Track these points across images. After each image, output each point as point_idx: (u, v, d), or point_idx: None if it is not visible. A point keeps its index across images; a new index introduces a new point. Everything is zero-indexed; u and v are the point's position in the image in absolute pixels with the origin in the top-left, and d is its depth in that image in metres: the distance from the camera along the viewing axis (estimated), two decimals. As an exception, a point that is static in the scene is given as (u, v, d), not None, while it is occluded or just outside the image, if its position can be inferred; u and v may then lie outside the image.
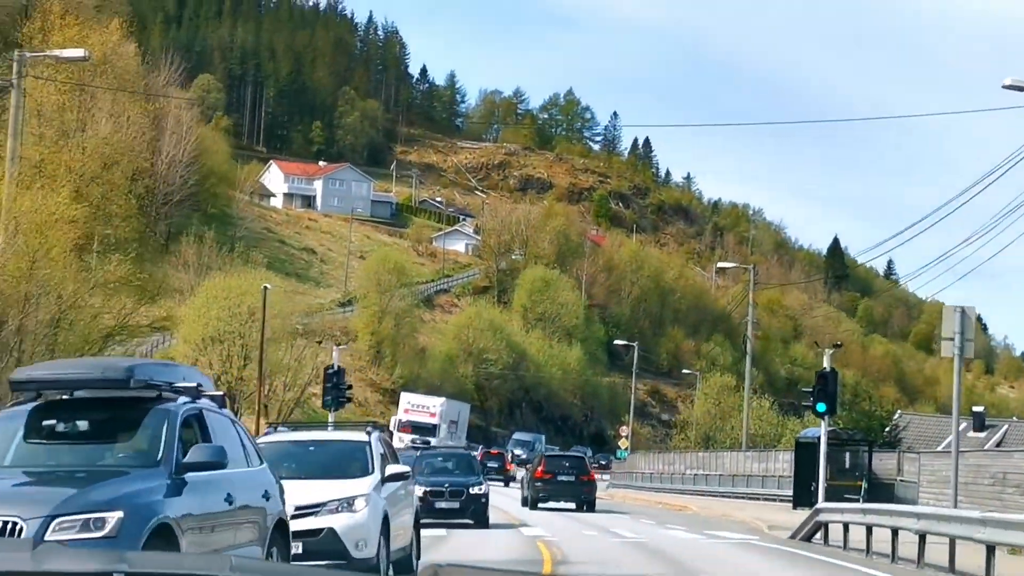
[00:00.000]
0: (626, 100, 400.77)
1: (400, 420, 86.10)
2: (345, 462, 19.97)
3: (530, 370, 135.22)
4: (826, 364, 37.79)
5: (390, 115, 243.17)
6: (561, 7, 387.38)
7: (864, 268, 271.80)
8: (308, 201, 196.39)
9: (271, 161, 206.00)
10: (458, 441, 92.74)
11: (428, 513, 32.64)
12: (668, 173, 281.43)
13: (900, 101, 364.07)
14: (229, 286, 79.20)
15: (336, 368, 42.94)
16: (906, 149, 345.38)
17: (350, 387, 44.16)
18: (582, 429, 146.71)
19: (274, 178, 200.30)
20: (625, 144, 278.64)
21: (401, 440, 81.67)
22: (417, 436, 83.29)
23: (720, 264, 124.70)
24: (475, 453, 77.73)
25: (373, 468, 19.72)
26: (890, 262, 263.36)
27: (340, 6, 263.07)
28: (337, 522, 18.19)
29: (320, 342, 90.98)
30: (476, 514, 36.50)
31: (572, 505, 50.41)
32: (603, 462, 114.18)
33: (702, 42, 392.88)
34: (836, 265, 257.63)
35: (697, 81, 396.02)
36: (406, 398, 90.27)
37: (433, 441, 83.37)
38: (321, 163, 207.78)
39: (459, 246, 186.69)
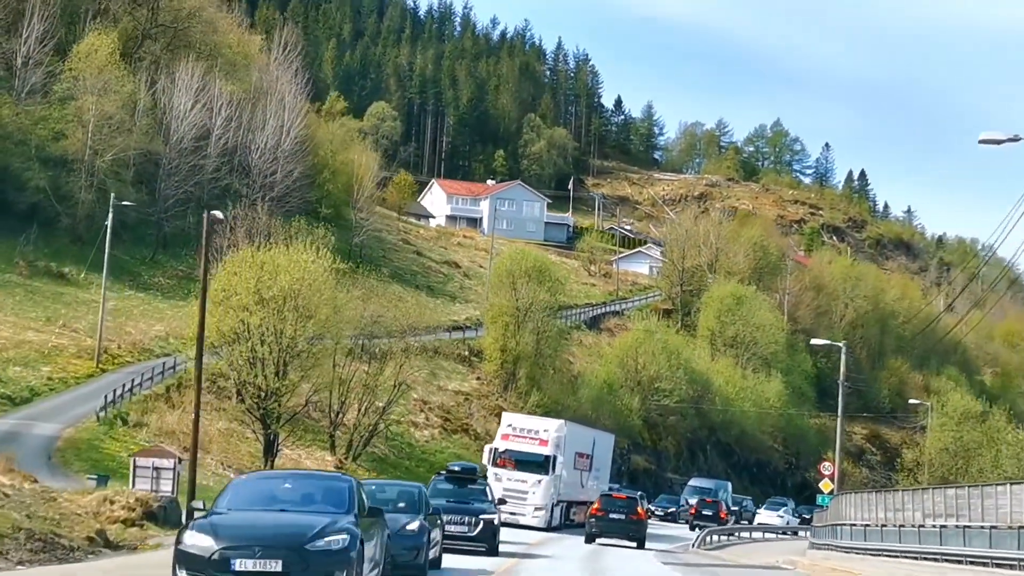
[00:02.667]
0: (837, 131, 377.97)
1: (496, 450, 59.14)
2: None
3: (716, 404, 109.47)
4: None
5: (579, 145, 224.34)
6: (764, 58, 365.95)
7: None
8: (474, 224, 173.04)
9: (433, 181, 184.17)
10: (595, 482, 66.49)
11: None
12: (887, 206, 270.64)
13: None
14: (258, 261, 56.24)
15: None
16: None
17: None
18: (784, 478, 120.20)
19: (436, 200, 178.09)
20: (839, 177, 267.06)
21: (498, 478, 56.34)
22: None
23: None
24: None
25: None
26: None
27: (528, 33, 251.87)
28: None
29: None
30: None
31: (632, 544, 52.78)
32: (806, 515, 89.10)
33: (911, 88, 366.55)
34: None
35: (911, 122, 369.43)
36: (507, 420, 61.58)
37: (545, 480, 57.97)
38: (490, 182, 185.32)
39: (642, 268, 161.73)
